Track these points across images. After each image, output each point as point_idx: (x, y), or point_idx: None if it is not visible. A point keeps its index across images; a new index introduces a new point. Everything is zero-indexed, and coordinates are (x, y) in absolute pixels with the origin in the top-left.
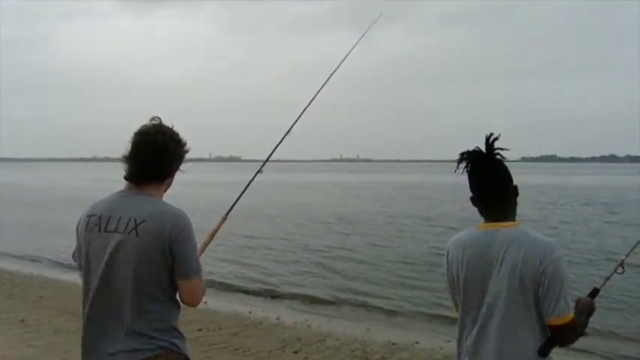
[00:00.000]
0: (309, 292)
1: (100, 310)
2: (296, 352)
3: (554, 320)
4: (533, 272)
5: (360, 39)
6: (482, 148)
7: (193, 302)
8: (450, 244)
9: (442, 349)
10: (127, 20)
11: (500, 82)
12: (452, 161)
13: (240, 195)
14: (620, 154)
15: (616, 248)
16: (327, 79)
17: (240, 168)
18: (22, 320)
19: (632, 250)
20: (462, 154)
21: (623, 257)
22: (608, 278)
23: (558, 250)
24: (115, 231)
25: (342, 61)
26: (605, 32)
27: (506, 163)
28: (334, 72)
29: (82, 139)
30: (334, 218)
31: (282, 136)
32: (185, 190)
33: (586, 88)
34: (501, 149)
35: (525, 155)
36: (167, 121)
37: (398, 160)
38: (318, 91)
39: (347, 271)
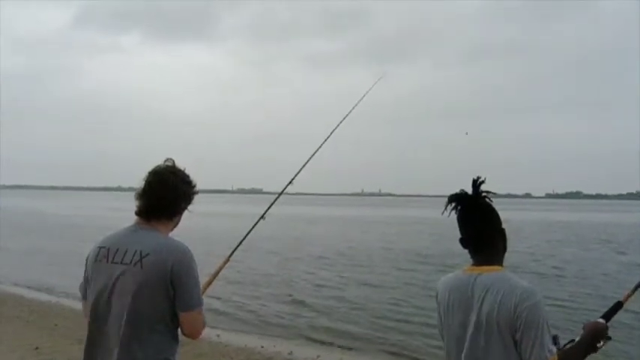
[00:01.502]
0: (320, 329)
1: (100, 337)
2: None
3: None
4: (509, 317)
5: (363, 96)
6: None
7: (194, 334)
8: (439, 286)
9: None
10: (152, 54)
11: (524, 118)
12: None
13: (244, 238)
14: None
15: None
16: (334, 129)
17: (261, 199)
18: (37, 348)
19: None
20: (451, 196)
21: None
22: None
23: (535, 296)
24: (122, 262)
25: (347, 115)
26: (629, 65)
27: (531, 199)
28: (339, 125)
29: (107, 169)
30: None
31: (302, 165)
32: (203, 221)
33: (612, 123)
34: (488, 192)
35: (550, 192)
36: (183, 155)
37: (419, 195)
38: (327, 137)
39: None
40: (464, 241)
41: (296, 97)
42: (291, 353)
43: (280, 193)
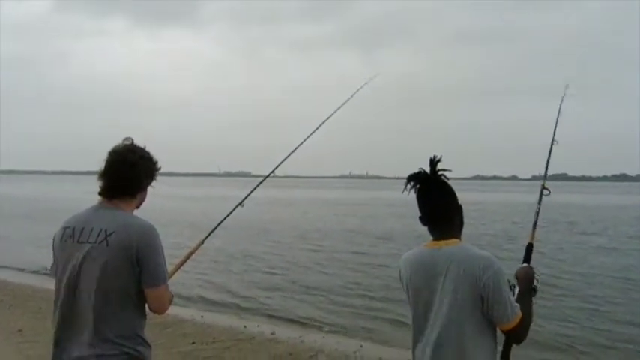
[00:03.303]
0: (303, 310)
1: (69, 315)
2: None
3: (506, 326)
4: (474, 287)
5: (351, 96)
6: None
7: (160, 310)
8: (401, 262)
9: None
10: (137, 39)
11: (510, 102)
12: (459, 179)
13: (219, 223)
14: (632, 173)
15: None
16: (318, 127)
17: (249, 182)
18: (20, 330)
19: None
20: (409, 176)
21: (543, 183)
22: (537, 214)
23: (495, 262)
24: (87, 241)
25: (335, 112)
26: (617, 53)
27: (517, 182)
28: (324, 122)
29: (93, 154)
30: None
31: (286, 156)
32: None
33: (598, 107)
34: (445, 170)
35: (536, 174)
36: (172, 139)
37: (405, 178)
38: (311, 134)
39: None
40: (423, 219)
41: (282, 82)
42: (273, 333)
43: (260, 183)
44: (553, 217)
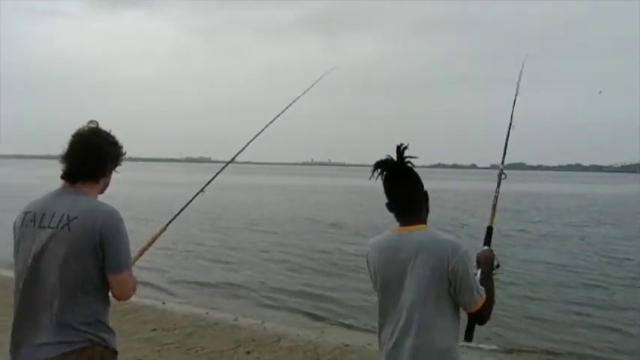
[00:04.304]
0: (262, 296)
1: (29, 302)
2: (249, 353)
3: (471, 309)
4: (442, 271)
5: (313, 85)
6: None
7: (123, 296)
8: (369, 247)
9: None
10: (95, 21)
11: (470, 91)
12: (422, 167)
13: (182, 209)
14: (586, 163)
15: None
16: (276, 117)
17: (210, 168)
18: None
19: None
20: (377, 163)
21: (501, 166)
22: (496, 198)
23: (462, 247)
24: (49, 226)
25: (294, 101)
26: (570, 45)
27: (476, 170)
28: (284, 111)
29: (50, 137)
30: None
31: (246, 143)
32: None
33: (554, 99)
34: (411, 157)
35: (494, 163)
36: (132, 123)
37: (367, 165)
38: (268, 123)
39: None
40: (390, 205)
41: (245, 67)
42: (236, 319)
43: (221, 169)
44: (503, 205)
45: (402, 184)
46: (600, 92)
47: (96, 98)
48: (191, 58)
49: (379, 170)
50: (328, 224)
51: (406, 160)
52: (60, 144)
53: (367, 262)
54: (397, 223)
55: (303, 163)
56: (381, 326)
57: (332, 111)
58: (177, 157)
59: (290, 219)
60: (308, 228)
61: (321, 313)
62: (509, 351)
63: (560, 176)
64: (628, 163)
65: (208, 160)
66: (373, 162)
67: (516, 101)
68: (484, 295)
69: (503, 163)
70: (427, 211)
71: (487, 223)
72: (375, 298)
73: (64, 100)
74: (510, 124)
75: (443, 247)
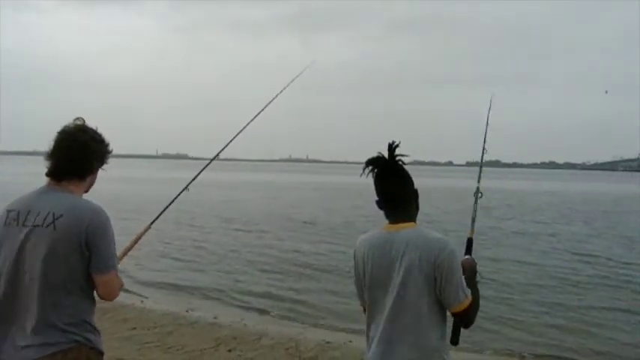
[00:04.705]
0: (243, 294)
1: (12, 302)
2: (230, 351)
3: (456, 308)
4: (430, 269)
5: (292, 81)
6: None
7: (109, 296)
8: (358, 244)
9: None
10: (72, 15)
11: (446, 90)
12: None
13: (166, 207)
14: (560, 160)
15: None
16: (257, 114)
17: (186, 165)
18: None
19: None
20: (368, 160)
21: (478, 184)
22: (475, 211)
23: (449, 245)
24: (33, 225)
25: (274, 99)
26: (546, 45)
27: (452, 167)
28: (263, 109)
29: (21, 133)
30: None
31: (230, 140)
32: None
33: (528, 98)
34: (402, 155)
35: (470, 160)
36: (109, 119)
37: (346, 162)
38: (249, 121)
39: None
40: (380, 203)
41: (222, 64)
42: (216, 317)
43: (205, 167)
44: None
45: (393, 182)
46: (607, 92)
47: (68, 94)
48: (168, 55)
49: (370, 167)
50: (302, 222)
51: (397, 158)
52: (29, 140)
53: (355, 258)
54: (377, 220)
55: (281, 160)
56: (369, 324)
57: (307, 109)
58: (154, 153)
59: (265, 217)
60: (281, 226)
61: (303, 310)
62: (479, 352)
63: (534, 174)
64: (601, 161)
65: (185, 157)
66: (348, 159)
67: (488, 122)
68: (470, 297)
69: (479, 181)
70: (417, 209)
71: (467, 235)
72: (350, 302)
73: (36, 96)
74: (484, 149)
75: (431, 245)
